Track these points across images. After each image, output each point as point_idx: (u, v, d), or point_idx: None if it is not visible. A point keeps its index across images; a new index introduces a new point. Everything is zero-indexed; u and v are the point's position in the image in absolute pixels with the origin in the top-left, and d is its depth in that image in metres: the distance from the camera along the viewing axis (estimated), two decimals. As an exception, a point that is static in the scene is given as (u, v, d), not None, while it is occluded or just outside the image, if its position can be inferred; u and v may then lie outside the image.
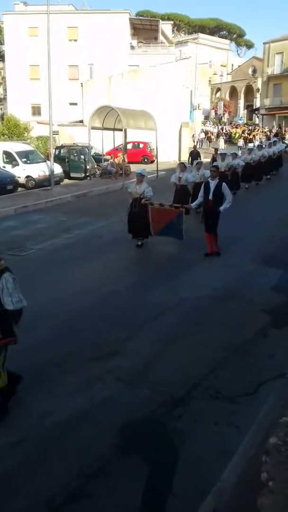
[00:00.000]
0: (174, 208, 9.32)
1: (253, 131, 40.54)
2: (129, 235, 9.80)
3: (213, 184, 8.68)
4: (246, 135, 38.62)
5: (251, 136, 36.64)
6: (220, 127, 47.77)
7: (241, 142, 34.47)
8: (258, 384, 4.67)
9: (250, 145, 29.33)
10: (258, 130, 40.73)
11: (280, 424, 3.95)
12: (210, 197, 8.61)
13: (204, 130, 41.75)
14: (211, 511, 3.17)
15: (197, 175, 12.52)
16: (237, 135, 39.79)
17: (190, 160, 22.28)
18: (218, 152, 17.07)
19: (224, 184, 8.68)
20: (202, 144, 37.52)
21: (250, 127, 44.17)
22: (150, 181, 18.50)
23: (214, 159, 18.83)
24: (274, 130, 39.92)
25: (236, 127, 45.49)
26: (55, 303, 7.02)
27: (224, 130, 45.14)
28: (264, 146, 20.53)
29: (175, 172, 11.89)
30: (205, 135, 39.77)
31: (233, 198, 15.05)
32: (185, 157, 25.65)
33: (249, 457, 3.68)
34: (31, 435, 3.97)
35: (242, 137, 37.23)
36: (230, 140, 40.04)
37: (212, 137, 40.33)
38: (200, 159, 20.61)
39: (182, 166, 11.73)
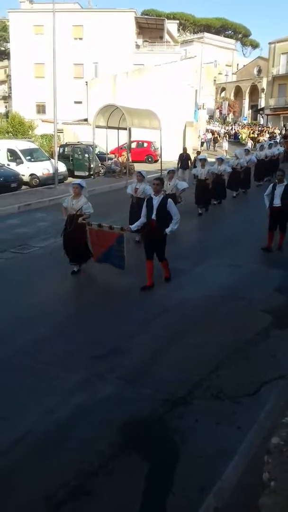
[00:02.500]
0: (117, 230, 7.54)
1: (263, 131, 39.99)
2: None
3: (156, 200, 7.08)
4: (256, 135, 38.01)
5: (262, 137, 35.73)
6: (229, 127, 47.23)
7: (249, 143, 33.68)
8: (260, 384, 4.66)
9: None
10: (266, 130, 40.18)
11: (282, 424, 3.94)
12: (153, 216, 7.06)
13: (211, 130, 41.01)
14: (212, 510, 3.17)
15: (168, 185, 10.76)
16: (244, 135, 39.13)
17: (179, 164, 19.37)
18: (198, 157, 14.77)
19: (170, 200, 7.17)
20: (208, 146, 36.94)
21: (259, 127, 43.64)
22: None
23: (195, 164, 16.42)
24: (282, 131, 39.49)
25: (244, 127, 44.98)
26: (57, 300, 7.03)
27: (233, 130, 44.65)
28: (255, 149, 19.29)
29: (132, 183, 10.19)
30: (212, 136, 39.00)
31: (221, 204, 14.34)
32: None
33: (250, 457, 3.66)
34: (32, 432, 3.97)
35: (251, 138, 36.61)
36: (238, 141, 39.12)
37: (219, 138, 39.22)
38: (190, 164, 18.85)
39: (139, 175, 9.82)
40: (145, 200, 7.43)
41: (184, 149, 20.39)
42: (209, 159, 14.90)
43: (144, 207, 7.24)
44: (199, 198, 12.91)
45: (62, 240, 8.07)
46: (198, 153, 20.71)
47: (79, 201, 7.88)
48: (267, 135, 36.66)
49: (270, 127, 42.83)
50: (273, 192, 9.05)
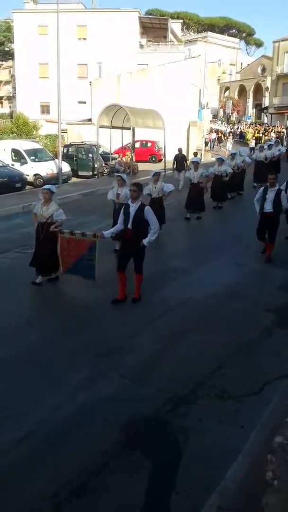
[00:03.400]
0: (89, 237, 6.92)
1: (268, 130, 39.62)
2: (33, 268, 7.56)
3: (133, 208, 6.50)
4: (261, 135, 37.60)
5: (267, 136, 35.12)
6: (236, 127, 46.85)
7: (253, 143, 33.28)
8: (263, 383, 4.66)
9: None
10: (272, 129, 39.77)
11: (286, 423, 3.94)
12: (129, 225, 6.49)
13: (215, 130, 40.58)
14: (215, 509, 3.17)
15: (154, 189, 10.20)
16: (249, 135, 38.68)
17: (174, 166, 18.48)
18: (191, 160, 13.83)
19: (147, 208, 6.52)
20: (213, 145, 36.62)
21: (266, 127, 43.23)
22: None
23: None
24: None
25: (249, 127, 44.56)
26: (60, 300, 7.05)
27: (239, 129, 44.34)
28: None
29: (113, 187, 9.39)
30: (216, 135, 38.21)
31: (221, 208, 13.66)
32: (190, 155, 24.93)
33: (254, 456, 3.67)
34: (36, 430, 3.99)
35: (255, 137, 36.17)
36: (243, 140, 38.54)
37: (224, 137, 38.25)
38: (186, 165, 17.95)
39: (120, 180, 9.03)
40: (123, 207, 6.84)
41: (179, 149, 18.96)
42: (212, 159, 14.63)
43: (121, 214, 6.68)
44: (190, 202, 12.24)
45: (34, 250, 7.56)
46: (195, 154, 19.77)
47: (49, 207, 7.27)
48: (273, 134, 36.32)
49: (277, 125, 42.45)
50: (264, 197, 8.47)
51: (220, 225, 12.32)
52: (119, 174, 9.85)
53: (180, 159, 18.29)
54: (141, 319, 6.23)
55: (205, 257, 8.94)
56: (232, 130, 44.62)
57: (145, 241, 6.48)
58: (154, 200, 10.08)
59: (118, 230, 6.73)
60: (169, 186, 10.40)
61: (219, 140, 37.29)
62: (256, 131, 39.17)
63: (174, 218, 11.95)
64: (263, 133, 38.19)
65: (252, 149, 28.19)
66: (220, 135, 38.78)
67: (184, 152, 26.32)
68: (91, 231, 7.26)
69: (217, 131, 39.78)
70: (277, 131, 38.61)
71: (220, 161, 13.38)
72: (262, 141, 30.70)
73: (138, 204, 6.53)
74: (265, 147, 18.70)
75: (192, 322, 6.14)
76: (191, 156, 20.05)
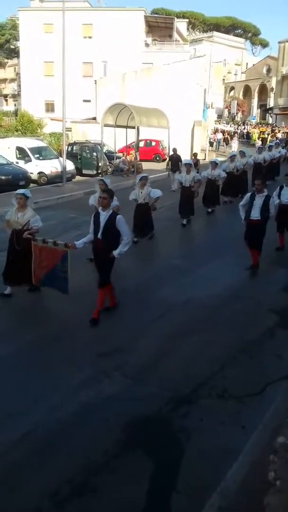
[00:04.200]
0: (61, 246, 6.37)
1: (275, 131, 39.26)
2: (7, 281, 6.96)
3: (104, 216, 5.98)
4: (266, 135, 37.22)
5: (273, 138, 34.35)
6: (242, 127, 46.49)
7: (259, 144, 32.79)
8: (265, 384, 4.65)
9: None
10: (278, 130, 39.42)
11: None
12: (99, 235, 6.00)
13: (221, 130, 40.15)
14: (215, 509, 3.17)
15: (140, 194, 9.61)
16: (255, 135, 38.35)
17: (169, 166, 17.93)
18: (183, 162, 13.05)
19: (119, 217, 5.99)
20: (218, 146, 36.21)
21: (273, 127, 42.88)
22: (161, 179, 18.10)
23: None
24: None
25: (254, 127, 44.28)
26: (63, 299, 7.03)
27: (245, 130, 44.09)
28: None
29: (95, 191, 8.75)
30: (222, 135, 37.51)
31: (214, 212, 12.83)
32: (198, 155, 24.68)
33: (255, 457, 3.66)
34: (37, 429, 3.99)
35: (261, 138, 35.82)
36: (249, 141, 38.02)
37: (230, 138, 37.09)
38: (180, 166, 16.57)
39: (102, 184, 8.26)
40: (93, 214, 6.28)
41: (174, 150, 18.00)
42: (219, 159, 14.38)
43: (92, 223, 6.16)
44: (182, 207, 11.56)
45: (6, 259, 6.94)
46: (195, 155, 18.90)
47: (25, 213, 6.75)
48: (280, 136, 35.99)
49: (282, 126, 42.15)
50: (251, 203, 7.89)
51: (220, 226, 12.26)
52: (101, 178, 9.28)
53: (175, 160, 17.74)
54: (143, 318, 6.22)
55: (206, 258, 8.92)
56: (238, 130, 44.33)
57: (115, 253, 6.00)
58: (140, 206, 9.69)
59: (90, 240, 6.23)
60: (156, 192, 9.77)
61: (226, 141, 36.76)
62: (260, 133, 38.88)
63: (173, 218, 11.90)
64: (268, 134, 37.99)
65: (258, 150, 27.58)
66: (226, 135, 38.33)
67: (187, 151, 26.38)
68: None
69: (223, 132, 39.43)
70: (284, 132, 38.37)
71: (214, 164, 12.65)
72: (267, 142, 30.38)
73: (109, 212, 6.03)
74: (265, 148, 18.34)
75: (194, 323, 6.13)
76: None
